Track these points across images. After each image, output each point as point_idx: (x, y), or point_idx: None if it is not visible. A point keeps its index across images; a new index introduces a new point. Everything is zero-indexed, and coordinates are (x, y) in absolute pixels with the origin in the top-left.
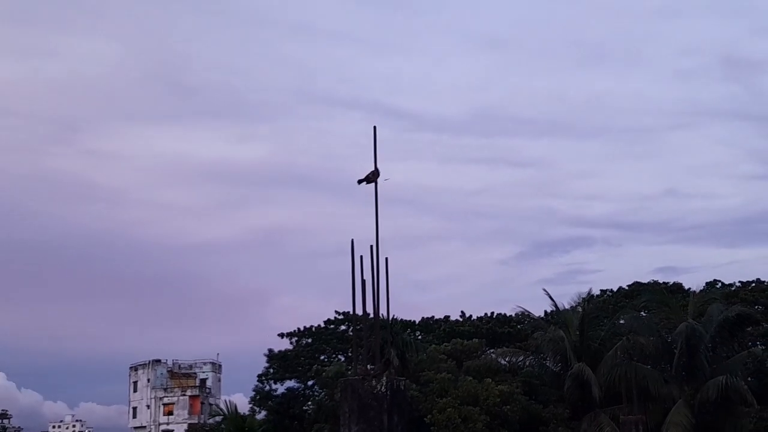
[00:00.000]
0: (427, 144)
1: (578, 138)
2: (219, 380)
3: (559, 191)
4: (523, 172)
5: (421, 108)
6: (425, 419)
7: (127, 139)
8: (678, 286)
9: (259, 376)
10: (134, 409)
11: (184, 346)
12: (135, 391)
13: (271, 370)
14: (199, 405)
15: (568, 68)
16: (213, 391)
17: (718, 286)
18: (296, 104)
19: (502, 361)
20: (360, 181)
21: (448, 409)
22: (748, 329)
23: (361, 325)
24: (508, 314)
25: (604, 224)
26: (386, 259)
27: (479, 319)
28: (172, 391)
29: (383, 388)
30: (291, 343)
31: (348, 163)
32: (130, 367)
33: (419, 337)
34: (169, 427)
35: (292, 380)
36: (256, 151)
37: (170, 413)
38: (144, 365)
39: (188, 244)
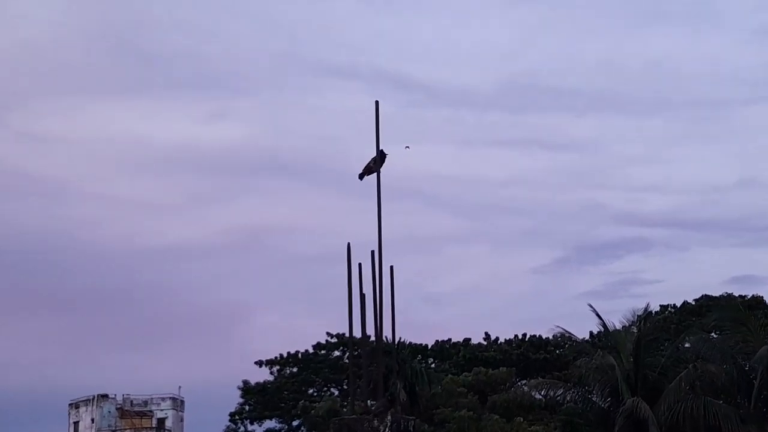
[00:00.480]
0: (443, 123)
1: (633, 114)
2: (181, 420)
3: (608, 181)
4: (563, 158)
5: (435, 78)
6: None
7: (72, 120)
8: (758, 301)
9: (232, 414)
10: None
11: (138, 377)
12: None
13: (247, 407)
14: None
15: (621, 28)
16: None
17: None
18: (282, 74)
19: (537, 396)
20: (362, 176)
21: None
22: None
23: (359, 351)
24: (544, 336)
25: (664, 222)
26: (391, 267)
27: (508, 342)
28: None
29: (387, 429)
30: (272, 373)
31: (345, 147)
32: (70, 404)
33: (433, 365)
34: None
35: (273, 420)
36: (233, 133)
37: None
38: (87, 401)
39: (147, 249)
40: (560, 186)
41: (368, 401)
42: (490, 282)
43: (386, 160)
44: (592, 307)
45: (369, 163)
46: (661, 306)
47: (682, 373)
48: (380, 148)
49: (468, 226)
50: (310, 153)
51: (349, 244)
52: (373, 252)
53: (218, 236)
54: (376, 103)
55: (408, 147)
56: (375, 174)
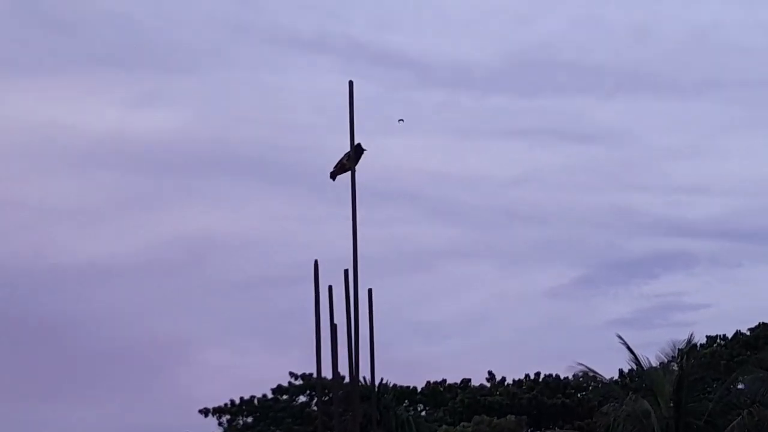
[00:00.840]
0: (436, 107)
1: (673, 97)
2: None
3: (642, 180)
4: (586, 151)
5: (427, 51)
6: None
7: None
8: None
9: None
10: None
11: None
12: None
13: None
14: None
15: None
16: None
17: None
18: (233, 47)
19: None
20: (334, 175)
21: None
22: None
23: (330, 395)
24: (561, 376)
25: (712, 232)
26: (369, 290)
27: (517, 383)
28: None
29: None
30: (221, 424)
31: (313, 139)
32: None
33: (423, 412)
34: None
35: None
36: (170, 120)
37: None
38: None
39: (59, 268)
40: (582, 186)
41: None
42: (495, 308)
43: (363, 155)
44: (621, 338)
45: (342, 159)
46: (708, 337)
47: (735, 422)
48: (356, 142)
49: (467, 237)
50: (268, 146)
51: (316, 261)
52: (346, 271)
53: (151, 252)
54: (350, 83)
55: (402, 120)
56: (350, 173)
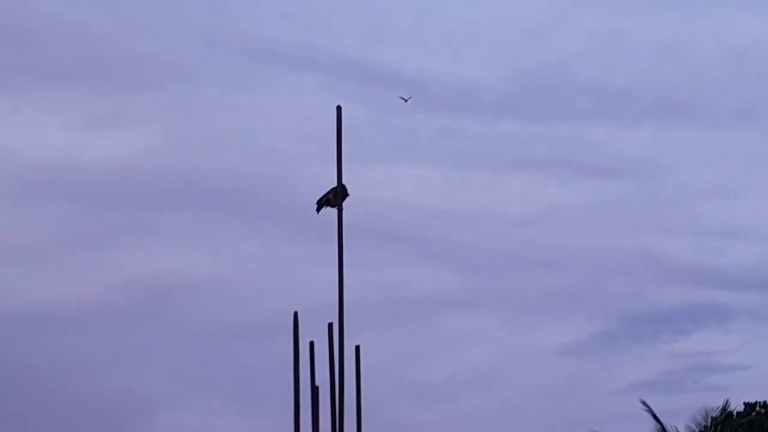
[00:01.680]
0: (436, 134)
1: (707, 125)
2: None
3: (671, 221)
4: (607, 187)
5: (426, 69)
6: None
7: None
8: None
9: None
10: None
11: None
12: None
13: None
14: None
15: (693, 1)
16: None
17: None
18: (204, 61)
19: None
20: (320, 207)
21: None
22: None
23: None
24: None
25: (751, 282)
26: (357, 347)
27: None
28: None
29: None
30: None
31: (294, 169)
32: None
33: None
34: None
35: None
36: (129, 145)
37: None
38: None
39: None
40: (603, 228)
41: None
42: (500, 367)
43: (346, 196)
44: (646, 404)
45: (328, 193)
46: (746, 404)
47: None
48: (342, 183)
49: (470, 284)
50: (243, 176)
51: (296, 313)
52: (331, 325)
53: (104, 297)
54: (338, 109)
55: (406, 99)
56: (336, 209)
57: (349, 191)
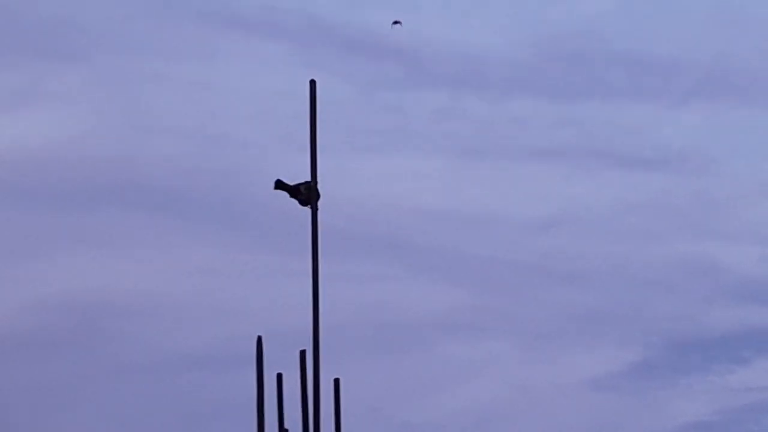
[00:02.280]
0: (433, 116)
1: None
2: None
3: (726, 224)
4: (647, 181)
5: (422, 36)
6: None
7: None
8: None
9: None
10: None
11: None
12: None
13: None
14: None
15: None
16: None
17: None
18: (143, 25)
19: None
20: (279, 185)
21: None
22: None
23: None
24: None
25: None
26: (336, 381)
27: None
28: None
29: None
30: None
31: (254, 158)
32: None
33: None
34: None
35: None
36: (50, 128)
37: None
38: None
39: None
40: (641, 232)
41: None
42: (514, 404)
43: (323, 191)
44: None
45: (300, 186)
46: None
47: None
48: (316, 173)
49: (475, 303)
50: (191, 169)
51: (260, 338)
52: (303, 352)
53: (16, 320)
54: (312, 83)
55: (397, 22)
56: (309, 211)
57: (318, 193)
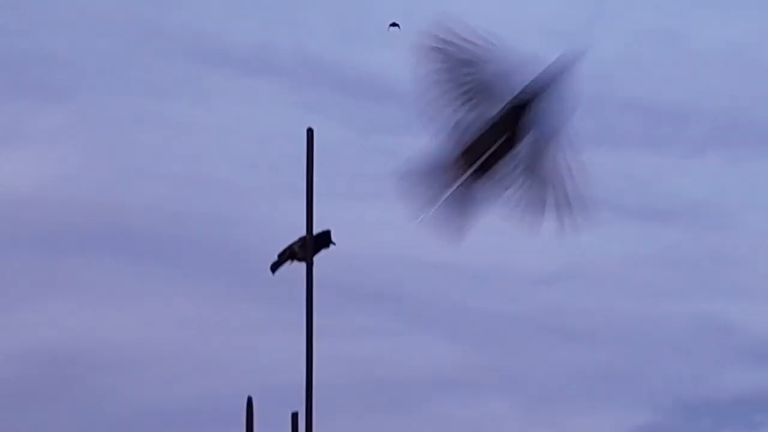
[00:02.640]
0: None
1: None
2: None
3: (741, 280)
4: (659, 234)
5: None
6: None
7: None
8: None
9: None
10: None
11: None
12: None
13: None
14: None
15: None
16: None
17: None
18: (132, 62)
19: None
20: (277, 266)
21: None
22: None
23: None
24: None
25: None
26: None
27: None
28: None
29: None
30: None
31: (246, 205)
32: None
33: None
34: None
35: None
36: (29, 170)
37: None
38: None
39: None
40: (651, 288)
41: None
42: None
43: (326, 244)
44: None
45: (294, 244)
46: None
47: None
48: (312, 232)
49: (475, 361)
50: (179, 214)
51: (250, 398)
52: (295, 415)
53: None
54: (309, 132)
55: (395, 25)
56: (303, 264)
57: (330, 239)
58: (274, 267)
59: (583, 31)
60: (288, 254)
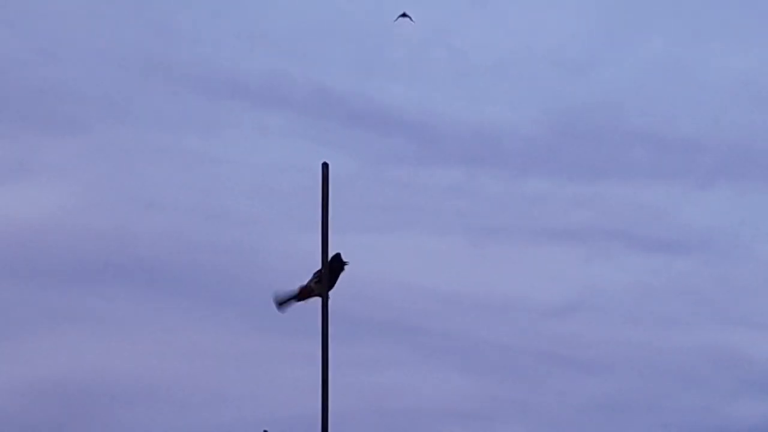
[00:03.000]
0: (446, 194)
1: None
2: None
3: (753, 310)
4: (669, 265)
5: (435, 110)
6: None
7: None
8: None
9: None
10: None
11: None
12: None
13: None
14: None
15: None
16: None
17: None
18: (142, 95)
19: None
20: (285, 302)
21: None
22: None
23: None
24: None
25: None
26: None
27: None
28: None
29: None
30: None
31: (257, 238)
32: None
33: None
34: None
35: None
36: (41, 203)
37: None
38: None
39: None
40: (663, 319)
41: None
42: None
43: (343, 272)
44: None
45: (310, 281)
46: None
47: None
48: (335, 254)
49: (487, 391)
50: (191, 245)
51: None
52: None
53: (3, 402)
54: (324, 167)
55: (405, 15)
56: (320, 299)
57: (343, 261)
58: (282, 303)
59: (595, 60)
60: (305, 292)
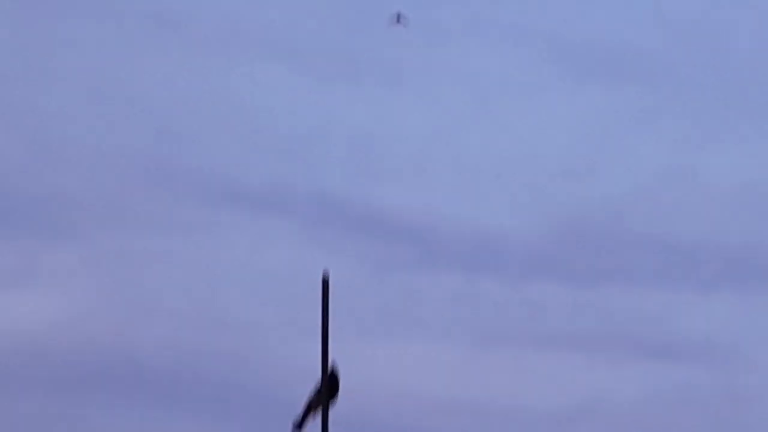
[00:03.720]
0: (447, 299)
1: None
2: None
3: (758, 420)
4: (674, 372)
5: (436, 214)
6: None
7: None
8: None
9: None
10: None
11: None
12: None
13: None
14: None
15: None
16: None
17: None
18: (144, 200)
19: None
20: (301, 425)
21: None
22: None
23: None
24: None
25: None
26: None
27: None
28: None
29: None
30: None
31: (257, 345)
32: None
33: None
34: None
35: None
36: (40, 312)
37: None
38: None
39: None
40: (667, 426)
41: None
42: None
43: (337, 388)
44: None
45: (311, 398)
46: None
47: None
48: (326, 369)
49: None
50: (191, 353)
51: None
52: None
53: None
54: (325, 277)
55: (400, 17)
56: (320, 412)
57: (337, 376)
58: (299, 425)
59: (597, 165)
60: (310, 406)
